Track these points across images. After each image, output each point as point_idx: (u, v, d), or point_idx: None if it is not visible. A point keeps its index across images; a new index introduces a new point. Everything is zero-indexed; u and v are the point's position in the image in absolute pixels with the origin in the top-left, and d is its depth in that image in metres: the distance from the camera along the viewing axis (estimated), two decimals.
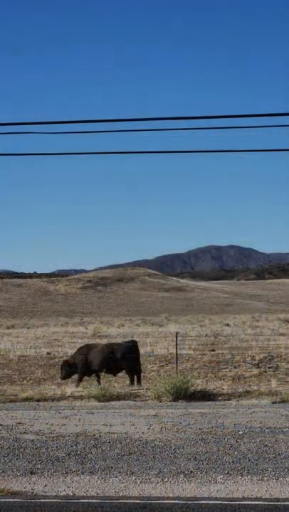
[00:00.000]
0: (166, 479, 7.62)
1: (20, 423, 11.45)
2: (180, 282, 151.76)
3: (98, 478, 7.78)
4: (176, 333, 20.16)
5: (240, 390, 15.28)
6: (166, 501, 6.84)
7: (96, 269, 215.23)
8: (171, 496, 7.08)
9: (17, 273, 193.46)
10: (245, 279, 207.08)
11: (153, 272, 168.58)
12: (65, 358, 18.30)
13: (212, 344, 28.01)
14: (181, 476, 7.75)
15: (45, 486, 7.57)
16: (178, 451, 8.98)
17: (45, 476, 7.93)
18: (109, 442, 9.71)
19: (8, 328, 47.46)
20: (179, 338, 19.50)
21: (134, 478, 7.73)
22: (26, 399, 14.59)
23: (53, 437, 10.16)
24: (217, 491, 7.19)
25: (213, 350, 24.90)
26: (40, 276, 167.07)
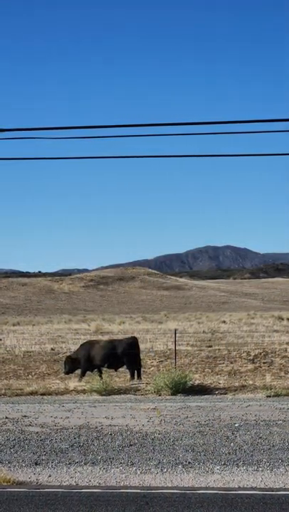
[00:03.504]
0: (165, 470, 7.62)
1: (25, 416, 11.45)
2: (178, 281, 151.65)
3: (100, 468, 7.78)
4: (175, 330, 20.17)
5: (236, 384, 15.28)
6: (165, 491, 6.84)
7: (98, 269, 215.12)
8: (170, 485, 7.08)
9: (22, 272, 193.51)
10: (241, 278, 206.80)
11: (153, 271, 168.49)
12: (68, 354, 18.28)
13: (209, 340, 27.99)
14: (180, 466, 7.74)
15: (50, 476, 7.57)
16: (176, 443, 8.97)
17: (50, 466, 7.93)
18: (111, 434, 9.71)
19: (13, 325, 47.45)
20: (177, 335, 19.51)
21: (134, 468, 7.73)
22: (31, 393, 14.59)
23: (57, 430, 10.15)
24: (214, 481, 7.18)
25: (210, 346, 24.88)
26: (44, 275, 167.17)
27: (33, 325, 47.35)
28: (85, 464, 7.98)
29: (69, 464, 8.01)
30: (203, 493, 6.74)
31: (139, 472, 7.58)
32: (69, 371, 16.36)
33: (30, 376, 17.97)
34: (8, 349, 25.60)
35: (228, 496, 6.56)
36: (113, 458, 8.24)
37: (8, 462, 8.17)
